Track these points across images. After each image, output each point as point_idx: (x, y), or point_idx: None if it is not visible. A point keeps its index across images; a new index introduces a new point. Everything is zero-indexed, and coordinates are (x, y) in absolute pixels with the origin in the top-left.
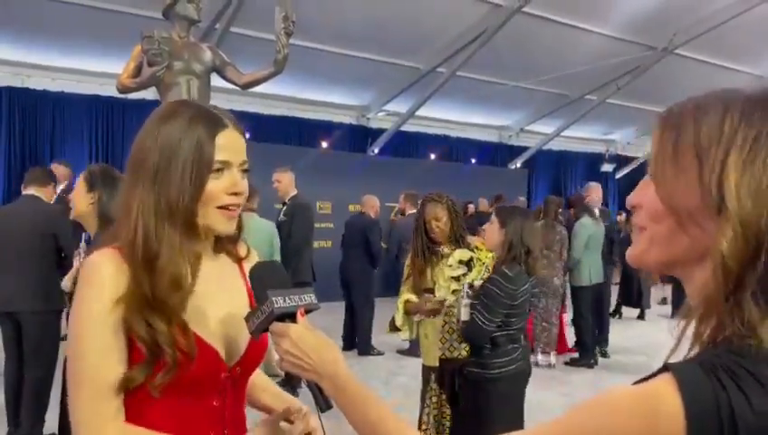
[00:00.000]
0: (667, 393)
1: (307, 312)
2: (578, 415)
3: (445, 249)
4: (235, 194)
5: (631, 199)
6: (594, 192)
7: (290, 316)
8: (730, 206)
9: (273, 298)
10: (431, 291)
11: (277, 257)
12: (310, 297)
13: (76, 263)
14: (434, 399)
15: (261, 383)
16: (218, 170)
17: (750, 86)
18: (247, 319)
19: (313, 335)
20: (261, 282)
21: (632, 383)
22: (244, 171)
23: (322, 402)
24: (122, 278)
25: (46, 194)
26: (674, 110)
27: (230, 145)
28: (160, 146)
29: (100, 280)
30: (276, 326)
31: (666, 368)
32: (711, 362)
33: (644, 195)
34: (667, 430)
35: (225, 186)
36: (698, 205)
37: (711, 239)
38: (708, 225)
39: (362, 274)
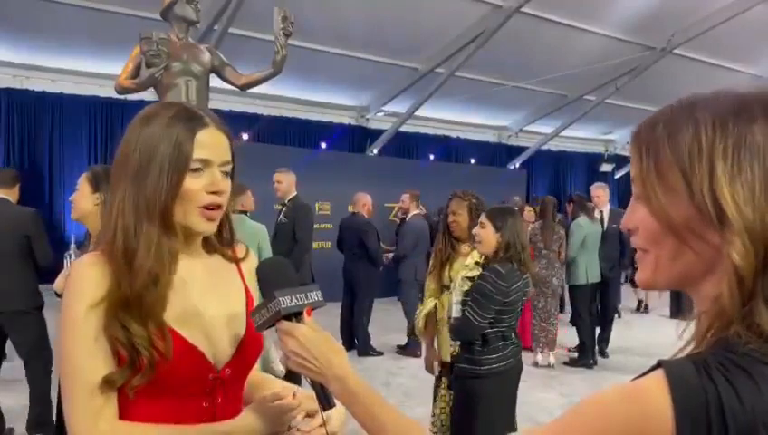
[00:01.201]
0: (656, 390)
1: (313, 309)
2: (572, 417)
3: (465, 247)
4: (215, 193)
5: (626, 223)
6: (595, 193)
7: (296, 315)
8: (731, 216)
9: (281, 298)
10: (447, 288)
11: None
12: (316, 295)
13: (67, 264)
14: (443, 392)
15: (263, 383)
16: (197, 169)
17: (712, 93)
18: (253, 314)
19: (320, 336)
20: (268, 279)
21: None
22: (226, 173)
23: (325, 402)
24: (104, 282)
25: (13, 196)
26: (643, 129)
27: (210, 144)
28: (141, 146)
29: (83, 284)
30: (283, 325)
31: (658, 365)
32: (704, 359)
33: (637, 217)
34: (657, 427)
35: (203, 184)
36: (695, 218)
37: (716, 251)
38: (710, 236)
39: (366, 275)
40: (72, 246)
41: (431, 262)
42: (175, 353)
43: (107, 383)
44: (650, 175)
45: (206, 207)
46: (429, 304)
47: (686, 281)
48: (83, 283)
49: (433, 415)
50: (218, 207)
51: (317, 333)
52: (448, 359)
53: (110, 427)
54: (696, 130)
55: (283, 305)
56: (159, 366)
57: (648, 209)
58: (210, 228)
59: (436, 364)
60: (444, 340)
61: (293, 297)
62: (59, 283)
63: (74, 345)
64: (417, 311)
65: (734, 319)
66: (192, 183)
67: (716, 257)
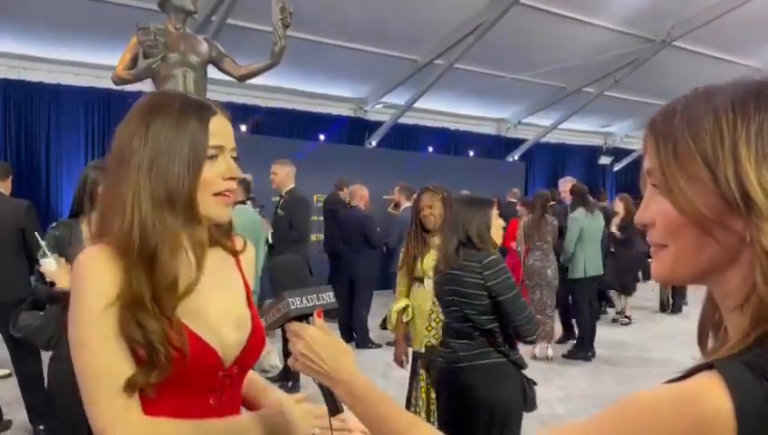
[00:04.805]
0: (713, 393)
1: (325, 311)
2: (613, 416)
3: (436, 240)
4: (231, 179)
5: (642, 218)
6: (562, 187)
7: (307, 316)
8: (759, 202)
9: (290, 299)
10: (421, 280)
11: (261, 251)
12: (328, 296)
13: (43, 263)
14: (421, 383)
15: (257, 383)
16: (212, 157)
17: (728, 82)
18: (263, 314)
19: (329, 339)
20: (279, 279)
21: (666, 381)
22: (235, 158)
23: (333, 406)
24: (118, 277)
25: (6, 188)
26: (658, 119)
27: (221, 130)
28: (152, 139)
29: (93, 280)
30: (292, 326)
31: (709, 365)
32: (756, 361)
33: (653, 211)
34: (716, 431)
35: (220, 171)
36: (720, 207)
37: (740, 240)
38: (735, 224)
39: (366, 268)
40: (43, 243)
41: (401, 258)
42: (190, 350)
43: (130, 386)
44: (670, 165)
45: (222, 193)
46: (401, 302)
47: (708, 274)
48: (97, 277)
49: (411, 404)
50: (232, 192)
51: (326, 336)
52: (422, 350)
53: (139, 421)
54: (717, 117)
55: (292, 307)
56: (176, 362)
57: (669, 201)
58: (227, 215)
59: (404, 357)
60: (418, 331)
61: (304, 298)
62: (59, 278)
63: (94, 343)
64: (390, 306)
65: None
66: (208, 171)
67: (740, 247)
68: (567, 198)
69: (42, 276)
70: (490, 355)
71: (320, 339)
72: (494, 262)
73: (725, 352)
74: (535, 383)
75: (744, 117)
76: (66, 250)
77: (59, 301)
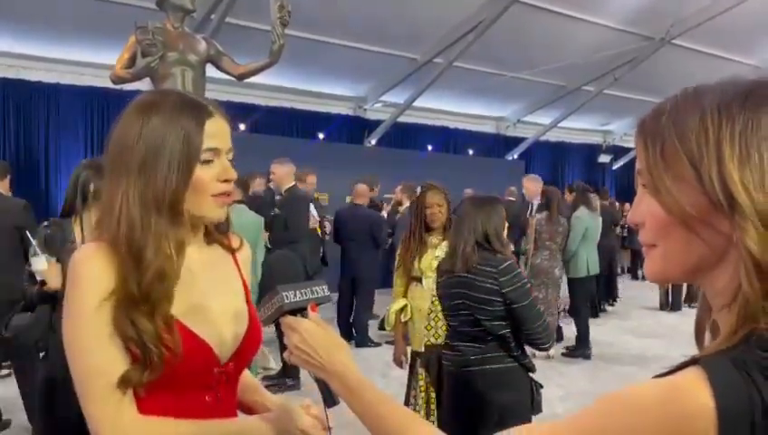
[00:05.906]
0: (696, 389)
1: (318, 305)
2: (597, 413)
3: (434, 239)
4: (227, 181)
5: (632, 217)
6: (525, 184)
7: (301, 310)
8: (742, 202)
9: (284, 293)
10: (419, 280)
11: (261, 252)
12: (322, 290)
13: (34, 263)
14: (420, 382)
15: (251, 383)
16: (208, 160)
17: (717, 82)
18: (258, 308)
19: (324, 332)
20: (273, 274)
21: (654, 376)
22: (231, 159)
23: (329, 398)
24: (112, 274)
25: (4, 187)
26: (648, 119)
27: (218, 132)
28: (145, 138)
29: (89, 277)
30: (287, 320)
31: (694, 361)
32: (742, 358)
33: (643, 210)
34: (697, 427)
35: (216, 173)
36: (706, 206)
37: (726, 239)
38: (721, 224)
39: (371, 267)
40: (34, 242)
41: (398, 257)
42: (184, 348)
43: (123, 383)
44: (657, 165)
45: (219, 195)
46: (400, 301)
47: (697, 273)
48: (93, 275)
49: (410, 404)
50: (229, 194)
51: (320, 329)
52: (422, 349)
53: (134, 419)
54: (702, 117)
55: (286, 301)
56: (168, 361)
57: (656, 200)
58: (223, 215)
59: (404, 357)
60: (417, 330)
61: (297, 292)
62: (49, 277)
63: (89, 341)
64: (388, 306)
65: (758, 308)
66: (204, 173)
67: (727, 246)
68: (529, 195)
69: (31, 276)
70: (502, 360)
71: (315, 332)
72: (510, 267)
73: (713, 348)
74: (541, 386)
75: (728, 117)
76: (56, 249)
77: (48, 301)
